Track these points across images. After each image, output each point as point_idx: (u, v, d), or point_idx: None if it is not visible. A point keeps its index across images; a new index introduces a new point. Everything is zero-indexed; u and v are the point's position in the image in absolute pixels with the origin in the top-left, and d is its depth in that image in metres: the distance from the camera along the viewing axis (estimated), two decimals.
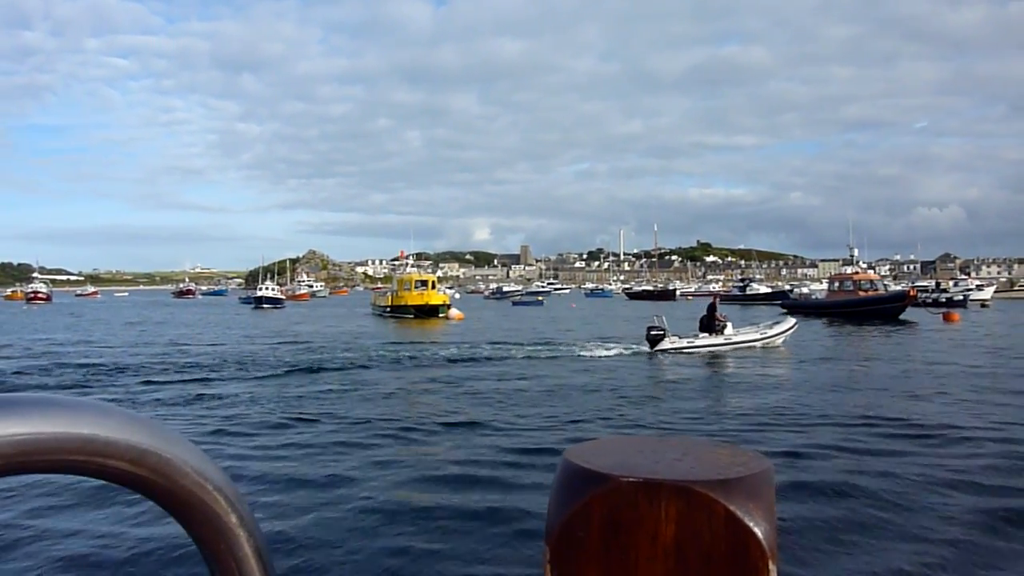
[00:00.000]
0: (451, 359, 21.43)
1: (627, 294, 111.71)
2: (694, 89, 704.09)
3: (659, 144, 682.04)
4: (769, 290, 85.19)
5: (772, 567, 0.53)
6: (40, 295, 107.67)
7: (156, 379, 17.19)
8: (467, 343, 26.89)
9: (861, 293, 46.38)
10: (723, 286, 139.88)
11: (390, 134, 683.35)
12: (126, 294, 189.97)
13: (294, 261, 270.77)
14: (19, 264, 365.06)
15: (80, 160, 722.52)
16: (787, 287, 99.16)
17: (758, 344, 23.33)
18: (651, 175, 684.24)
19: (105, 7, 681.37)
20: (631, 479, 0.54)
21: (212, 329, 38.92)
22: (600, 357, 21.74)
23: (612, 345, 24.79)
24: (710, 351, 22.23)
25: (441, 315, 48.75)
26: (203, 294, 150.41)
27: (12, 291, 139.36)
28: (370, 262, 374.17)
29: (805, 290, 77.03)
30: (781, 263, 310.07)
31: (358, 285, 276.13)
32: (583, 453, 0.59)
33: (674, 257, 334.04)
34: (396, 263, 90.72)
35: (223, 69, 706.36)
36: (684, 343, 22.47)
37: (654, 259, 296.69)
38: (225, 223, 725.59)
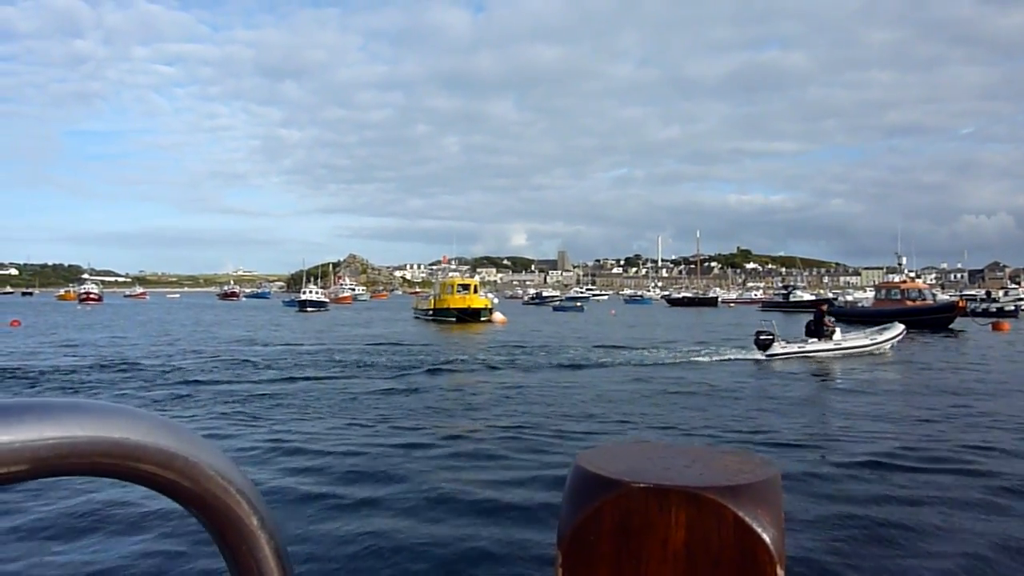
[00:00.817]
0: (526, 366, 20.45)
1: (667, 301, 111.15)
2: (733, 95, 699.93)
3: (697, 150, 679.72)
4: (813, 297, 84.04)
5: (780, 572, 0.53)
6: (92, 296, 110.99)
7: (223, 379, 17.82)
8: (525, 347, 26.95)
9: (908, 303, 45.68)
10: (764, 293, 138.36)
11: (428, 140, 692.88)
12: (177, 296, 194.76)
13: (335, 265, 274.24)
14: (69, 265, 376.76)
15: (127, 164, 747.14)
16: (830, 295, 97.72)
17: (867, 350, 23.41)
18: (689, 181, 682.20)
19: (153, 16, 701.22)
20: (642, 485, 0.55)
21: (265, 331, 39.72)
22: (707, 363, 21.50)
23: (707, 349, 25.25)
24: (821, 356, 22.33)
25: (484, 319, 48.78)
26: (247, 296, 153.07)
27: (65, 291, 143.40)
28: (408, 266, 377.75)
29: (850, 298, 75.90)
30: (823, 271, 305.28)
31: (397, 289, 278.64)
32: (594, 459, 0.60)
33: (713, 264, 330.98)
34: (435, 267, 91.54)
35: (266, 76, 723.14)
36: (795, 347, 22.55)
37: (693, 265, 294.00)
38: (266, 227, 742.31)
